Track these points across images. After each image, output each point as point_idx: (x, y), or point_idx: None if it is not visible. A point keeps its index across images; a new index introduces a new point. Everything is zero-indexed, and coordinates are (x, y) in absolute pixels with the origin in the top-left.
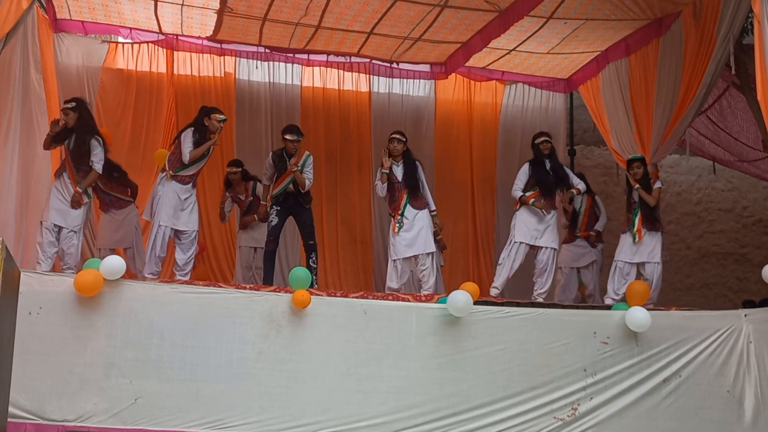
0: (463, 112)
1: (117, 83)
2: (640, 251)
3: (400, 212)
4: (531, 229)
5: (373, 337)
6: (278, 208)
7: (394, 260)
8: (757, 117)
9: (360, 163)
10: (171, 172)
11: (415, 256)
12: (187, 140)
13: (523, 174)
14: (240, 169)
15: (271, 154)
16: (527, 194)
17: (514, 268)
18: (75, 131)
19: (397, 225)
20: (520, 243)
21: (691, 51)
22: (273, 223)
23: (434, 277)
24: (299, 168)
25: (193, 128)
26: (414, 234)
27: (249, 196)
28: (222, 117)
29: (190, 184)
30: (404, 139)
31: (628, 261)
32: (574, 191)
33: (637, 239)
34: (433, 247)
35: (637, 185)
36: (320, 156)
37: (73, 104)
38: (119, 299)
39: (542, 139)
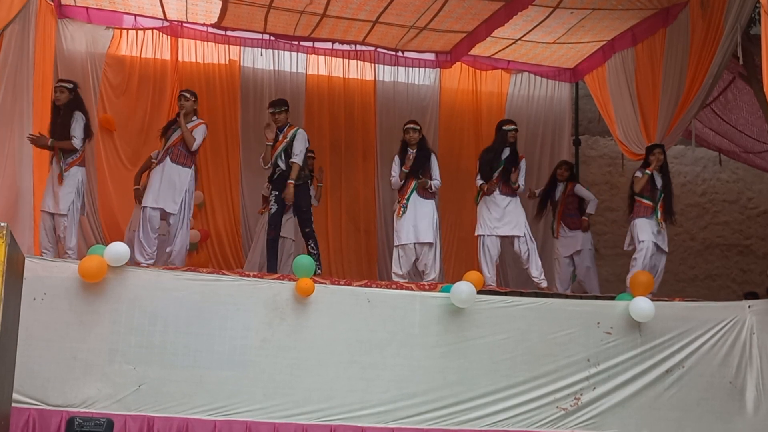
0: (469, 102)
1: (121, 70)
2: (660, 238)
3: (405, 198)
4: (488, 220)
5: (376, 326)
6: (276, 193)
7: (396, 246)
8: (764, 108)
9: (365, 152)
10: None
11: (417, 246)
12: None
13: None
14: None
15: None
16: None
17: (493, 258)
18: (62, 110)
19: (402, 210)
20: (483, 236)
21: (698, 41)
22: (273, 210)
23: (436, 269)
24: (272, 143)
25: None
26: (415, 222)
27: None
28: (183, 94)
29: (166, 161)
30: (419, 128)
31: (656, 243)
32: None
33: (661, 228)
34: (431, 238)
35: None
36: (325, 144)
37: (71, 85)
38: (123, 285)
39: (510, 126)
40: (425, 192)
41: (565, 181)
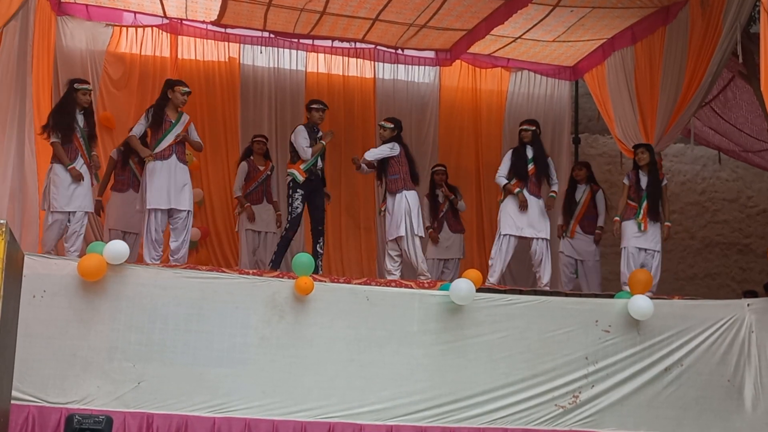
0: (468, 100)
1: (120, 67)
2: (645, 238)
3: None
4: (517, 220)
5: (375, 324)
6: (303, 192)
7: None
8: (763, 107)
9: (364, 149)
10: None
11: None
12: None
13: (506, 160)
14: (266, 140)
15: (303, 126)
16: (511, 183)
17: (506, 261)
18: (86, 112)
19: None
20: (509, 236)
21: (697, 39)
22: (299, 210)
23: (417, 262)
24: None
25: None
26: (391, 217)
27: (267, 172)
28: (186, 89)
29: (172, 158)
30: (388, 126)
31: (638, 247)
32: (553, 194)
33: (642, 228)
34: (402, 232)
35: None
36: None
37: (90, 87)
38: (123, 283)
39: (523, 126)
40: (390, 186)
41: (586, 183)
